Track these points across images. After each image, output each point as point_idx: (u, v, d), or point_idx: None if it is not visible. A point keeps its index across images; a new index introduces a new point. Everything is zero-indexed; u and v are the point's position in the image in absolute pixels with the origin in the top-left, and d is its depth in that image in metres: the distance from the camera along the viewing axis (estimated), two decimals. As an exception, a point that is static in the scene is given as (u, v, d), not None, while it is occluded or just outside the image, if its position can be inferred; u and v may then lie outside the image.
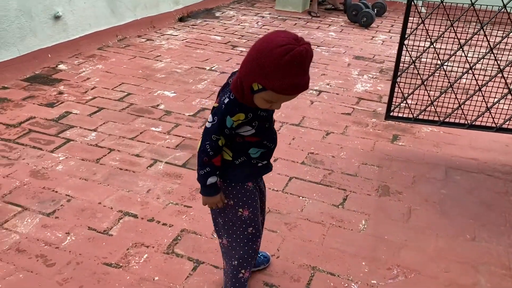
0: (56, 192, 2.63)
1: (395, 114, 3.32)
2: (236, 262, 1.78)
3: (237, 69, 1.57)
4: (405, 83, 3.25)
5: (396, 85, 3.14)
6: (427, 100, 3.19)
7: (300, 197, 2.70)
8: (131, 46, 5.26)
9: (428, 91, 3.15)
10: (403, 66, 3.15)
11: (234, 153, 1.64)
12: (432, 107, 3.18)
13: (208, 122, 1.56)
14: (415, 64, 3.04)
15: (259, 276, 2.10)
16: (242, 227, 1.74)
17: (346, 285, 2.09)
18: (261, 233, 1.84)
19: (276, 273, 2.13)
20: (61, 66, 4.51)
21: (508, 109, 3.11)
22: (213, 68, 4.71)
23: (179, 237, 2.33)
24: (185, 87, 4.19)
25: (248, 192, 1.71)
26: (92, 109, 3.66)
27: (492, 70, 3.39)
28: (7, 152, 3.00)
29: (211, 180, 1.63)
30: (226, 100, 1.53)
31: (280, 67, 1.39)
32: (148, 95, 3.99)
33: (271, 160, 1.79)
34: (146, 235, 2.33)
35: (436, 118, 3.22)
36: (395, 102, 3.25)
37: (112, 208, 2.52)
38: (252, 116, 1.55)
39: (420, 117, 3.26)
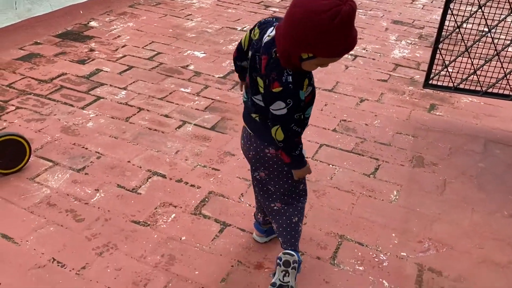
0: (86, 148, 2.65)
1: (434, 82, 3.16)
2: (295, 219, 1.81)
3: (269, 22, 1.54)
4: (447, 49, 3.07)
5: (437, 52, 2.97)
6: (470, 69, 3.01)
7: (330, 165, 2.63)
8: (162, 4, 5.16)
9: (472, 59, 2.97)
10: (446, 32, 2.96)
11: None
12: (475, 76, 3.01)
13: (280, 109, 1.49)
14: (460, 29, 2.85)
15: (286, 241, 2.08)
16: (294, 186, 1.78)
17: (374, 255, 2.05)
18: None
19: (303, 239, 2.09)
20: (93, 23, 4.47)
21: (558, 81, 2.91)
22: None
23: (206, 199, 2.31)
24: (215, 48, 4.10)
25: None
26: (122, 67, 3.63)
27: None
28: (39, 107, 3.02)
29: (303, 153, 1.63)
30: (290, 78, 1.47)
31: (329, 34, 1.34)
32: (178, 55, 3.92)
33: None
34: (174, 195, 2.33)
35: (478, 88, 3.05)
36: (435, 69, 3.09)
37: (141, 167, 2.52)
38: (310, 77, 1.55)
39: (461, 86, 3.10)
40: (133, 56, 3.84)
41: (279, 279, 1.74)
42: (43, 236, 2.04)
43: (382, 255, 2.05)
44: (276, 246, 2.04)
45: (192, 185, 2.41)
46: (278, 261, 1.75)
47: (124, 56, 3.83)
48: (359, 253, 2.05)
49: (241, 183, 2.44)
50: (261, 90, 1.58)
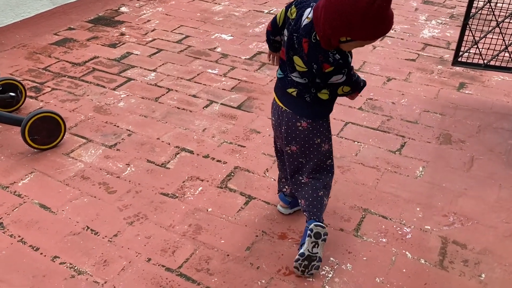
0: (118, 126, 2.75)
1: (464, 59, 3.10)
2: (322, 192, 1.85)
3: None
4: (477, 25, 3.00)
5: (467, 28, 2.91)
6: (501, 45, 2.94)
7: (355, 142, 2.64)
8: (190, -10, 5.22)
9: (503, 35, 2.90)
10: (476, 7, 2.90)
11: (330, 91, 1.69)
12: (506, 52, 2.93)
13: (339, 79, 1.62)
14: (490, 4, 2.79)
15: (309, 214, 2.12)
16: (323, 160, 1.84)
17: (398, 228, 2.06)
18: None
19: (327, 212, 2.13)
20: (123, 9, 4.58)
21: None
22: (271, 11, 4.60)
23: (232, 174, 2.37)
24: (243, 30, 4.13)
25: (329, 126, 1.82)
26: (152, 50, 3.72)
27: None
28: (73, 88, 3.15)
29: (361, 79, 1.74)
30: (337, 57, 1.56)
31: (367, 19, 1.41)
32: (206, 37, 3.98)
33: None
34: (201, 169, 2.40)
35: (510, 65, 2.98)
36: (465, 46, 3.03)
37: (169, 144, 2.60)
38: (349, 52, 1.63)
39: (492, 63, 3.03)
40: (162, 39, 3.93)
41: (308, 250, 1.77)
42: (78, 206, 2.15)
43: (405, 228, 2.06)
44: (300, 217, 2.09)
45: (218, 161, 2.47)
46: (309, 232, 1.77)
47: (154, 39, 3.92)
48: (383, 226, 2.07)
49: (266, 159, 2.49)
50: (298, 68, 1.65)
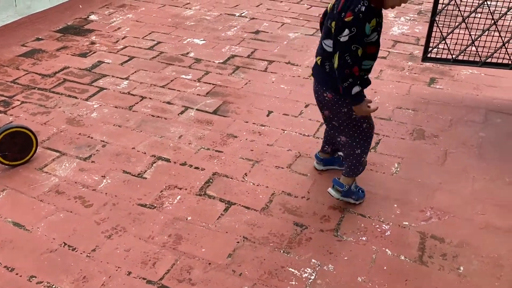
0: (92, 138, 2.70)
1: (433, 55, 3.16)
2: (359, 151, 2.05)
3: None
4: (444, 22, 3.07)
5: (435, 24, 2.97)
6: (468, 40, 3.01)
7: (332, 142, 2.66)
8: (160, -5, 5.18)
9: (469, 30, 2.97)
10: (442, 4, 2.96)
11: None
12: (473, 47, 3.00)
13: (343, 36, 1.73)
14: (455, 0, 2.85)
15: (289, 217, 2.12)
16: (357, 125, 2.00)
17: (377, 226, 2.08)
18: (373, 121, 2.08)
19: (306, 213, 2.14)
20: (92, 17, 4.51)
21: (557, 47, 2.90)
22: (243, 14, 4.60)
23: (211, 180, 2.36)
24: (215, 34, 4.12)
25: None
26: (124, 58, 3.67)
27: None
28: (44, 101, 3.08)
29: (355, 89, 1.81)
30: (363, 8, 1.70)
31: None
32: (178, 43, 3.95)
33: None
34: (179, 178, 2.38)
35: (477, 59, 3.05)
36: (433, 42, 3.09)
37: (145, 153, 2.57)
38: (378, 21, 1.75)
39: (460, 58, 3.10)
40: (134, 47, 3.88)
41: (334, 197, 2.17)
42: (54, 223, 2.11)
43: (384, 225, 2.08)
44: (280, 221, 2.09)
45: (196, 168, 2.45)
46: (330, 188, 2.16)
47: (125, 47, 3.87)
48: (362, 224, 2.09)
49: (244, 163, 2.49)
50: (332, 31, 1.81)
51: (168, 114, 2.94)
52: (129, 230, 2.06)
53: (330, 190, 2.18)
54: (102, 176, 2.39)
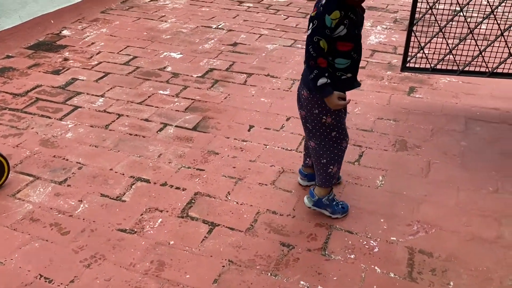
0: (67, 160, 2.60)
1: (412, 65, 3.17)
2: (325, 160, 2.04)
3: None
4: (421, 31, 3.08)
5: (412, 34, 2.98)
6: (445, 49, 3.03)
7: (315, 155, 2.63)
8: (134, 8, 5.10)
9: (447, 39, 2.99)
10: (419, 14, 2.97)
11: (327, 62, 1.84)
12: (451, 55, 3.02)
13: (308, 30, 1.79)
14: (432, 10, 2.86)
15: (275, 236, 2.07)
16: (326, 131, 1.99)
17: (365, 242, 2.05)
18: (347, 135, 2.06)
19: (293, 232, 2.09)
20: (65, 32, 4.40)
21: (532, 54, 2.94)
22: (219, 26, 4.55)
23: (193, 201, 2.29)
24: (192, 48, 4.06)
25: None
26: (99, 75, 3.58)
27: (514, 13, 3.19)
28: (15, 122, 2.96)
29: (321, 81, 1.81)
30: (323, 2, 1.77)
31: None
32: (154, 57, 3.88)
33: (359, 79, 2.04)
34: (159, 199, 2.30)
35: (455, 68, 3.07)
36: (411, 52, 3.10)
37: (123, 174, 2.48)
38: (344, 14, 1.76)
39: (438, 67, 3.11)
40: (109, 62, 3.79)
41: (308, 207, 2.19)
42: (28, 253, 2.00)
43: (372, 242, 2.05)
44: (266, 242, 2.04)
45: (177, 188, 2.38)
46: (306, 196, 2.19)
47: (100, 63, 3.77)
48: (349, 242, 2.05)
49: (227, 181, 2.42)
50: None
51: (146, 132, 2.86)
52: (109, 258, 1.97)
53: (304, 198, 2.21)
54: (79, 201, 2.30)
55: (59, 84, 3.42)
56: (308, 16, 1.91)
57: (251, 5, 5.21)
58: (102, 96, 3.28)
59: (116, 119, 3.00)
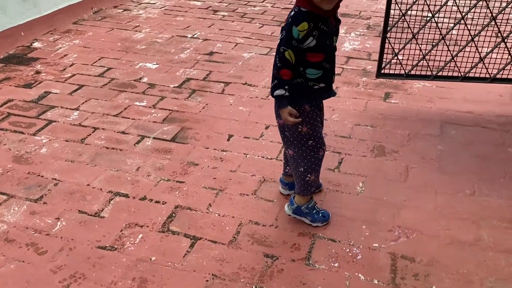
0: (42, 176, 2.53)
1: (386, 71, 3.22)
2: (302, 169, 2.05)
3: None
4: (395, 38, 3.13)
5: (386, 41, 3.03)
6: (419, 55, 3.09)
7: (295, 164, 2.63)
8: (107, 18, 5.04)
9: (420, 45, 3.05)
10: (392, 21, 3.02)
11: (294, 73, 1.85)
12: (424, 61, 3.08)
13: (279, 39, 1.81)
14: (405, 17, 2.92)
15: (258, 248, 2.05)
16: (303, 140, 2.00)
17: (348, 250, 2.05)
18: (324, 143, 2.06)
19: (276, 243, 2.08)
20: (36, 44, 4.30)
21: (501, 59, 3.03)
22: (195, 36, 4.53)
23: (173, 214, 2.26)
24: (168, 58, 4.03)
25: (306, 112, 1.93)
26: (72, 87, 3.51)
27: (484, 19, 3.28)
28: (-14, 138, 2.87)
29: (278, 92, 1.84)
30: (292, 13, 1.79)
31: None
32: (130, 68, 3.83)
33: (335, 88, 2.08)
34: (139, 214, 2.26)
35: (429, 73, 3.13)
36: (386, 59, 3.14)
37: (101, 189, 2.43)
38: (313, 25, 1.77)
39: (412, 72, 3.17)
40: (83, 74, 3.72)
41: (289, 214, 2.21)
42: (4, 276, 1.93)
43: (355, 249, 2.06)
44: (251, 254, 2.02)
45: (157, 202, 2.34)
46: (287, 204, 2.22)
47: (73, 75, 3.70)
48: (333, 250, 2.05)
49: (207, 193, 2.40)
50: None
51: (123, 145, 2.81)
52: (89, 276, 1.92)
53: (285, 205, 2.23)
54: (56, 218, 2.23)
55: (32, 98, 3.34)
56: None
57: (226, 14, 5.22)
58: (76, 109, 3.21)
59: (92, 132, 2.94)
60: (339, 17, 1.92)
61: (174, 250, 2.05)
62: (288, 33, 1.77)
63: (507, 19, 3.13)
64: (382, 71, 3.18)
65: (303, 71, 1.86)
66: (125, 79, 3.64)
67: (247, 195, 2.38)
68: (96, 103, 3.29)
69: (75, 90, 3.46)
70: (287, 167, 2.30)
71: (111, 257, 2.02)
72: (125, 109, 3.22)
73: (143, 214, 2.26)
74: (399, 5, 2.89)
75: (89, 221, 2.22)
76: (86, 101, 3.32)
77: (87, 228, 2.18)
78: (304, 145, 2.01)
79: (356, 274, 1.93)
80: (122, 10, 5.34)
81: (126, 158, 2.69)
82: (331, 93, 1.99)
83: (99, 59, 3.99)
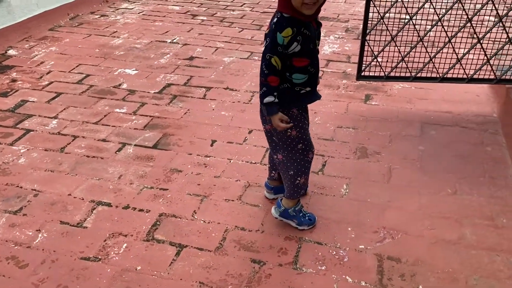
0: (21, 187, 2.47)
1: (366, 73, 3.25)
2: (292, 172, 2.06)
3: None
4: (374, 40, 3.17)
5: (366, 44, 3.06)
6: (398, 57, 3.13)
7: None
8: (84, 24, 4.96)
9: (398, 47, 3.09)
10: (371, 23, 3.05)
11: (280, 79, 1.85)
12: (403, 63, 3.12)
13: (264, 46, 1.82)
14: (384, 20, 2.95)
15: (245, 254, 2.04)
16: (292, 144, 2.01)
17: (334, 252, 2.06)
18: (313, 146, 2.07)
19: (263, 248, 2.07)
20: (11, 52, 4.20)
21: (478, 59, 3.09)
22: (174, 41, 4.50)
23: (158, 222, 2.23)
24: (147, 63, 3.99)
25: (294, 116, 1.95)
26: (50, 95, 3.44)
27: (460, 21, 3.35)
28: (-39, 149, 2.79)
29: (268, 99, 1.85)
30: (275, 20, 1.79)
31: None
32: (108, 74, 3.78)
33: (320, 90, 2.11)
34: (123, 223, 2.22)
35: (408, 74, 3.17)
36: (365, 61, 3.17)
37: (83, 199, 2.38)
38: (297, 31, 1.77)
39: (392, 74, 3.21)
40: (60, 81, 3.65)
41: (275, 217, 2.19)
42: (-16, 291, 1.87)
43: (341, 251, 2.06)
44: (238, 260, 2.00)
45: (140, 210, 2.31)
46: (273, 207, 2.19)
47: (51, 83, 3.63)
48: (320, 253, 2.05)
49: (192, 199, 2.38)
50: None
51: (104, 153, 2.76)
52: (72, 289, 1.88)
53: (272, 208, 2.21)
54: (37, 230, 2.18)
55: (8, 107, 3.26)
56: (264, 29, 1.93)
57: (205, 18, 5.20)
58: (55, 117, 3.15)
59: (72, 141, 2.88)
60: (319, 21, 1.93)
61: (159, 259, 2.02)
62: (272, 39, 1.77)
63: (482, 21, 3.19)
64: (362, 74, 3.21)
65: (290, 76, 1.87)
66: (104, 86, 3.58)
67: (232, 200, 2.37)
68: (75, 110, 3.23)
69: (53, 98, 3.39)
70: (273, 171, 2.30)
71: (95, 268, 1.97)
72: (105, 116, 3.17)
73: (127, 223, 2.22)
74: (377, 8, 2.93)
75: (72, 232, 2.17)
76: (64, 109, 3.25)
77: (69, 239, 2.13)
78: (293, 149, 2.02)
79: (344, 276, 1.94)
80: (99, 16, 5.27)
81: (108, 166, 2.65)
82: (316, 96, 2.00)
83: (77, 66, 3.93)
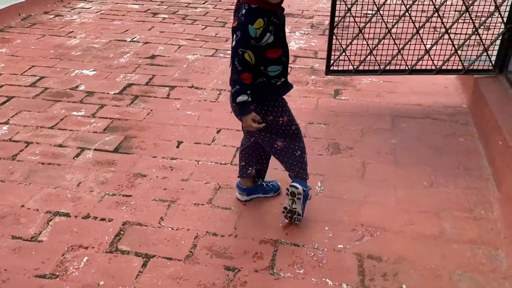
0: (-33, 200, 2.24)
1: (335, 68, 3.17)
2: (298, 153, 2.04)
3: None
4: (342, 34, 3.09)
5: (334, 37, 2.98)
6: (366, 50, 3.06)
7: (250, 167, 2.50)
8: (37, 25, 4.68)
9: (367, 40, 3.02)
10: (338, 17, 2.98)
11: (253, 74, 1.78)
12: (372, 56, 3.06)
13: (233, 41, 1.74)
14: (351, 11, 2.88)
15: (218, 261, 1.90)
16: (287, 129, 2.01)
17: (312, 254, 1.95)
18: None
19: (236, 254, 1.94)
20: (-44, 54, 3.90)
21: (446, 50, 3.06)
22: (135, 39, 4.30)
23: (121, 232, 2.05)
24: (106, 63, 3.78)
25: (280, 104, 1.95)
26: (1, 99, 3.18)
27: (427, 11, 3.32)
28: None
29: (241, 98, 1.77)
30: (243, 11, 1.70)
31: None
32: (65, 76, 3.55)
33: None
34: (83, 235, 2.03)
35: (377, 67, 3.12)
36: (334, 55, 3.09)
37: (38, 210, 2.18)
38: (268, 21, 1.70)
39: (361, 68, 3.14)
40: (12, 85, 3.40)
41: (289, 205, 2.01)
42: None
43: (319, 252, 1.95)
44: (210, 268, 1.86)
45: (102, 219, 2.13)
46: (286, 191, 2.02)
47: (1, 86, 3.37)
48: (297, 256, 1.94)
49: (158, 205, 2.21)
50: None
51: (61, 159, 2.56)
52: (26, 311, 1.69)
53: (300, 191, 2.00)
54: (-15, 247, 1.96)
55: (-48, 114, 2.99)
56: (229, 26, 1.81)
57: (166, 16, 5.02)
58: (6, 123, 2.91)
59: (25, 147, 2.66)
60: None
61: (124, 271, 1.85)
62: (244, 33, 1.70)
63: (449, 11, 3.17)
64: (331, 68, 3.13)
65: (265, 70, 1.82)
66: (60, 88, 3.36)
67: (202, 204, 2.22)
68: (28, 115, 3.00)
69: (4, 103, 3.14)
70: (249, 168, 2.18)
71: (52, 286, 1.78)
72: (61, 120, 2.95)
73: (87, 234, 2.04)
74: (345, 1, 2.85)
75: (25, 247, 1.97)
76: (16, 113, 3.02)
77: (22, 256, 1.92)
78: (289, 132, 2.02)
79: (324, 279, 1.83)
80: (53, 16, 4.99)
81: (65, 173, 2.44)
82: (289, 86, 1.98)
83: (30, 68, 3.68)
